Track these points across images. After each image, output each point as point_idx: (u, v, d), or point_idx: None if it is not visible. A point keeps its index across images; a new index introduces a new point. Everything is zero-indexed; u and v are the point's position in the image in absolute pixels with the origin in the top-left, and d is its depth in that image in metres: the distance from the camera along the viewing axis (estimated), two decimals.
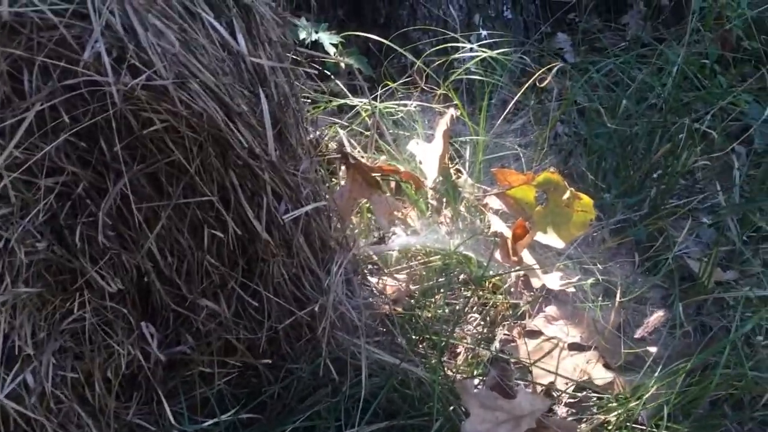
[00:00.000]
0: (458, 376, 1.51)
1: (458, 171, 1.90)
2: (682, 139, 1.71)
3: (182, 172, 1.02)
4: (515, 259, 1.35)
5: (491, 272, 1.45)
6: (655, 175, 1.79)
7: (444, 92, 1.84)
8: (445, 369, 1.50)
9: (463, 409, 1.31)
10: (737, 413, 1.29)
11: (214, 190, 1.05)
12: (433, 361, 1.37)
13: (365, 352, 1.26)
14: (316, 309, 1.19)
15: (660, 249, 1.66)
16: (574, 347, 1.64)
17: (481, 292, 1.74)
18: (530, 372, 1.54)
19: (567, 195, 1.37)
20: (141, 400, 1.26)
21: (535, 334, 1.66)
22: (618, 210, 1.71)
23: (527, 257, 1.40)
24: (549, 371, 1.46)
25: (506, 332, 1.66)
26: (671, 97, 1.76)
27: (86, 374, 1.10)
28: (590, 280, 1.37)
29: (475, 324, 1.69)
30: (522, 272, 1.38)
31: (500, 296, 1.70)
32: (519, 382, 1.35)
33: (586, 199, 1.37)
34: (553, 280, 1.39)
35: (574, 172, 1.80)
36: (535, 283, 1.41)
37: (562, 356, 1.58)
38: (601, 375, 1.55)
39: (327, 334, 1.24)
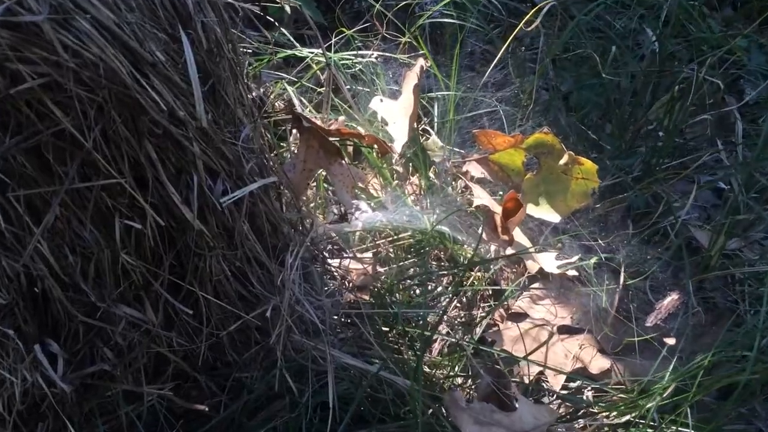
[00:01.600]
0: (437, 374, 1.30)
1: (425, 132, 1.66)
2: (678, 90, 1.50)
3: (77, 146, 0.74)
4: (506, 237, 1.13)
5: (477, 256, 1.22)
6: (644, 132, 1.59)
7: (409, 40, 1.57)
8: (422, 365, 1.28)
9: (449, 420, 1.11)
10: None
11: (125, 168, 0.79)
12: (412, 364, 1.15)
13: (331, 358, 1.03)
14: (269, 313, 0.94)
15: (656, 215, 1.46)
16: (564, 330, 1.45)
17: (455, 270, 1.52)
18: (516, 360, 1.34)
19: (564, 159, 1.15)
20: (48, 430, 1.00)
21: (519, 316, 1.46)
22: (608, 172, 1.50)
23: (518, 235, 1.18)
24: (538, 363, 1.26)
25: (486, 315, 1.46)
26: (667, 43, 1.54)
27: None
28: (593, 260, 1.16)
29: (451, 307, 1.48)
30: (513, 254, 1.16)
31: (478, 274, 1.49)
32: (514, 380, 1.13)
33: (588, 164, 1.15)
34: (550, 262, 1.18)
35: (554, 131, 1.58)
36: (531, 266, 1.19)
37: (551, 341, 1.39)
38: (596, 362, 1.37)
39: (282, 340, 1.00)
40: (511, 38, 1.51)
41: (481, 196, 1.17)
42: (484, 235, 1.12)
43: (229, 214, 0.89)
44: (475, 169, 1.26)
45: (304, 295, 1.01)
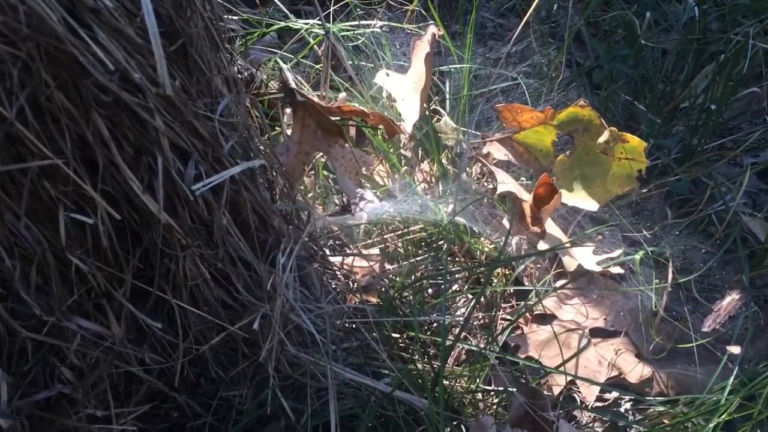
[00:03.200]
0: (457, 387, 1.13)
1: (435, 112, 1.49)
2: (724, 60, 1.32)
3: None
4: (537, 229, 0.96)
5: (502, 252, 1.05)
6: (684, 108, 1.41)
7: (417, 8, 1.39)
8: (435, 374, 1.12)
9: None
10: None
11: (66, 146, 0.62)
12: (428, 375, 0.98)
13: (332, 374, 0.87)
14: (256, 325, 0.77)
15: (702, 202, 1.28)
16: (598, 333, 1.28)
17: (477, 268, 1.35)
18: (543, 370, 1.18)
19: (605, 137, 0.97)
20: None
21: (545, 318, 1.30)
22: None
23: (550, 226, 1.01)
24: (567, 374, 1.09)
25: (511, 322, 1.30)
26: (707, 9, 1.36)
27: None
28: (639, 254, 0.99)
29: (468, 307, 1.32)
30: (548, 250, 0.98)
31: (498, 270, 1.32)
32: (550, 402, 0.97)
33: (635, 141, 0.97)
34: (589, 258, 1.00)
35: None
36: (568, 263, 1.02)
37: (582, 346, 1.23)
38: (636, 370, 1.20)
39: (275, 354, 0.83)
40: (533, 7, 1.33)
41: (506, 182, 1.00)
42: (508, 226, 0.96)
43: (204, 205, 0.72)
44: (498, 151, 1.09)
45: (300, 301, 0.84)
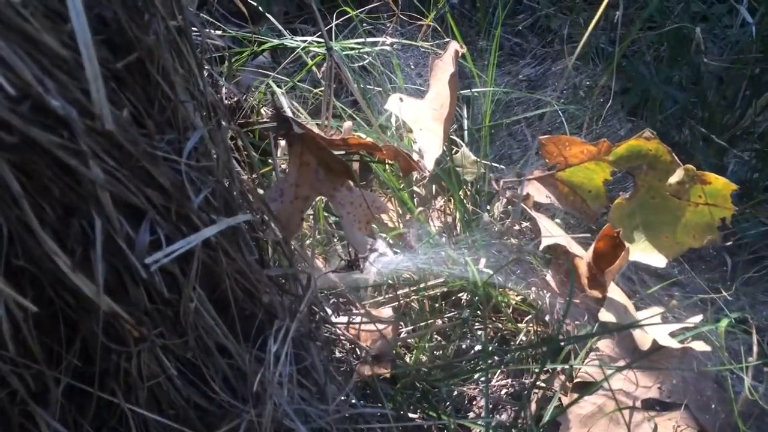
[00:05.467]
0: None
1: (451, 143, 1.29)
2: None
3: None
4: (596, 293, 0.76)
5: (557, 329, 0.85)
6: (740, 137, 1.22)
7: (432, 23, 1.20)
8: None
9: None
10: None
11: None
12: None
13: None
14: None
15: (761, 248, 1.08)
16: (652, 405, 1.07)
17: (499, 324, 1.15)
18: None
19: (678, 176, 0.78)
20: None
21: (587, 387, 1.09)
22: None
23: (613, 289, 0.81)
24: None
25: (542, 384, 1.09)
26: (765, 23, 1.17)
27: None
28: (723, 323, 0.78)
29: (496, 376, 1.12)
30: (621, 327, 0.77)
31: (529, 327, 1.11)
32: None
33: (719, 182, 0.78)
34: (664, 333, 0.80)
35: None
36: (641, 340, 0.81)
37: (634, 422, 1.02)
38: None
39: None
40: (595, 22, 1.14)
41: (552, 232, 0.80)
42: (551, 281, 0.76)
43: (161, 282, 0.51)
44: (537, 192, 0.89)
45: (298, 398, 0.63)
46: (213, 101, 0.65)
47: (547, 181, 0.89)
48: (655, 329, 0.78)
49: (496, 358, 1.09)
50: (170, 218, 0.52)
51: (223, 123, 0.66)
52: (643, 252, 0.82)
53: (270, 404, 0.59)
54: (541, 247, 0.78)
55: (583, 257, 0.78)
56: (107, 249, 0.48)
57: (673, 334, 0.80)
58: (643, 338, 0.79)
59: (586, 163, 0.86)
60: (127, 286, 0.52)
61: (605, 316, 0.77)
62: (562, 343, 0.81)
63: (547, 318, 1.12)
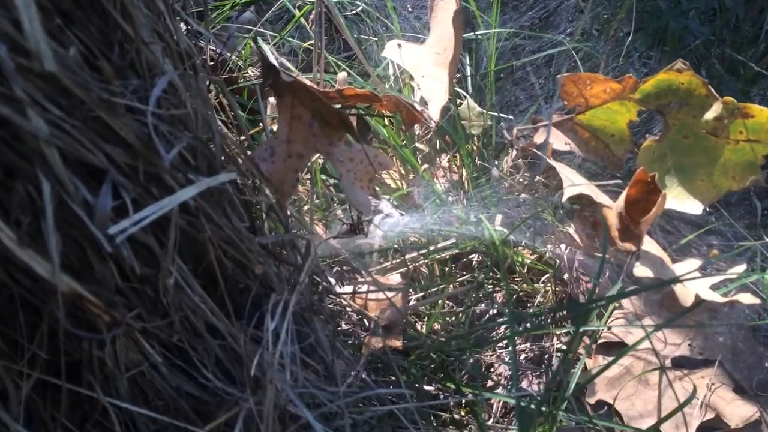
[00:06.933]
0: None
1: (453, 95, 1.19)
2: None
3: None
4: (629, 246, 0.68)
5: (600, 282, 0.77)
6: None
7: None
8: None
9: None
10: None
11: None
12: None
13: None
14: (238, 430, 0.48)
15: None
16: (682, 363, 1.00)
17: (515, 285, 1.08)
18: (618, 414, 0.92)
19: (716, 111, 0.69)
20: None
21: (612, 347, 1.02)
22: None
23: (647, 241, 0.73)
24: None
25: (564, 346, 1.03)
26: None
27: None
28: None
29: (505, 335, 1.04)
30: (654, 286, 0.69)
31: (547, 287, 1.04)
32: None
33: (764, 114, 0.69)
34: (706, 287, 0.72)
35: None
36: (683, 296, 0.73)
37: (665, 382, 0.95)
38: (737, 410, 0.93)
39: None
40: None
41: (575, 181, 0.71)
42: (574, 235, 0.68)
43: (140, 253, 0.43)
44: (556, 138, 0.80)
45: (303, 380, 0.55)
46: (187, 48, 0.56)
47: (565, 126, 0.81)
48: (696, 283, 0.70)
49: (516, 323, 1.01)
50: (137, 180, 0.43)
51: (201, 72, 0.57)
52: (677, 198, 0.74)
53: (271, 389, 0.51)
54: (564, 198, 0.70)
55: (612, 207, 0.69)
56: (62, 218, 0.40)
57: (714, 287, 0.72)
58: (685, 293, 0.71)
59: (609, 103, 0.77)
60: (92, 262, 0.44)
61: (641, 270, 0.70)
62: (594, 304, 0.73)
63: (565, 276, 1.05)
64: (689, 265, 0.72)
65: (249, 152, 0.66)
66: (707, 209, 0.77)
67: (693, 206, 0.74)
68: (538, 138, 0.80)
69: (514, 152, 1.15)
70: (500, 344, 1.00)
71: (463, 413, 0.92)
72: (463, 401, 0.90)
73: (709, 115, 0.71)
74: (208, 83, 0.59)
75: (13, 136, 0.37)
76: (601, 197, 0.71)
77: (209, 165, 0.54)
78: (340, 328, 0.91)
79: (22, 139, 0.37)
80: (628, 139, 0.80)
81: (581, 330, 0.97)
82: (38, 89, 0.37)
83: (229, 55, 1.11)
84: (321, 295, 0.65)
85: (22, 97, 0.35)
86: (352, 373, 0.60)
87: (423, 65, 0.84)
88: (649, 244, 0.72)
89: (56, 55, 0.37)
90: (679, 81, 0.71)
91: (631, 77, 0.73)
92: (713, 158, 0.72)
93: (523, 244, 1.02)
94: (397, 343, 0.88)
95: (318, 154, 0.75)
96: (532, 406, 0.69)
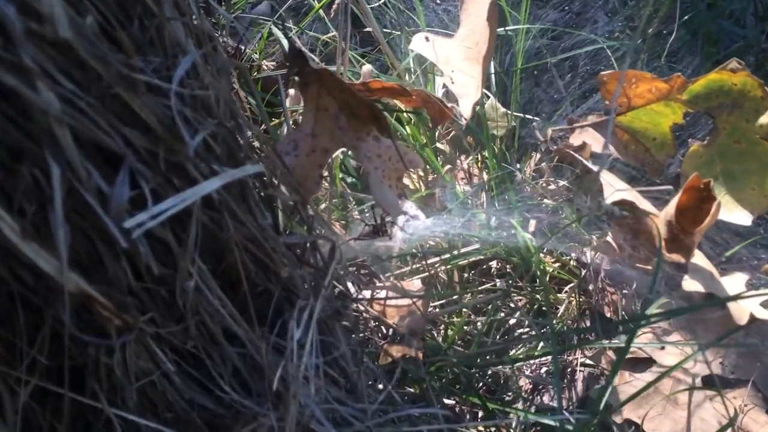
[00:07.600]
0: None
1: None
2: None
3: None
4: (678, 258, 0.63)
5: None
6: None
7: None
8: None
9: None
10: None
11: None
12: None
13: None
14: None
15: None
16: (713, 383, 0.95)
17: (537, 295, 1.03)
18: None
19: None
20: None
21: (639, 363, 0.97)
22: None
23: (696, 253, 0.68)
24: None
25: (588, 361, 0.98)
26: None
27: None
28: None
29: (527, 348, 1.00)
30: (706, 304, 0.65)
31: (571, 298, 0.99)
32: None
33: None
34: (758, 304, 0.67)
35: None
36: (738, 313, 0.68)
37: (695, 402, 0.91)
38: None
39: None
40: None
41: (616, 186, 0.66)
42: (612, 242, 0.63)
43: (149, 252, 0.38)
44: (594, 141, 0.76)
45: (326, 393, 0.50)
46: (209, 30, 0.51)
47: (603, 127, 0.76)
48: (748, 301, 0.65)
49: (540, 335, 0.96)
50: (158, 168, 0.39)
51: (223, 54, 0.52)
52: (724, 207, 0.69)
53: (294, 404, 0.46)
54: (608, 202, 0.65)
55: (658, 215, 0.65)
56: (71, 208, 0.35)
57: (765, 304, 0.68)
58: (739, 311, 0.66)
59: (653, 104, 0.72)
60: (103, 260, 0.39)
61: (690, 285, 0.65)
62: (633, 324, 0.68)
63: (590, 287, 1.00)
64: (737, 280, 0.67)
65: (273, 143, 0.61)
66: (756, 221, 0.72)
67: (741, 216, 0.70)
68: (575, 140, 0.76)
69: (538, 155, 1.10)
70: (522, 355, 0.96)
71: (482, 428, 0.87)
72: (480, 413, 0.85)
73: (764, 119, 0.66)
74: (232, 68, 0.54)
75: (20, 112, 0.32)
76: (644, 203, 0.67)
77: (231, 155, 0.49)
78: (357, 336, 0.86)
79: (30, 116, 0.33)
80: (671, 143, 0.75)
81: (608, 345, 0.92)
82: (50, 59, 0.32)
83: (243, 48, 1.06)
84: (345, 302, 0.60)
85: (31, 67, 0.30)
86: (379, 386, 0.55)
87: (453, 59, 0.80)
88: (697, 256, 0.67)
89: (72, 22, 0.33)
90: (732, 82, 0.67)
91: (680, 76, 0.69)
92: (766, 165, 0.68)
93: (558, 252, 0.97)
94: (419, 352, 0.83)
95: (342, 150, 0.70)
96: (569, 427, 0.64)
